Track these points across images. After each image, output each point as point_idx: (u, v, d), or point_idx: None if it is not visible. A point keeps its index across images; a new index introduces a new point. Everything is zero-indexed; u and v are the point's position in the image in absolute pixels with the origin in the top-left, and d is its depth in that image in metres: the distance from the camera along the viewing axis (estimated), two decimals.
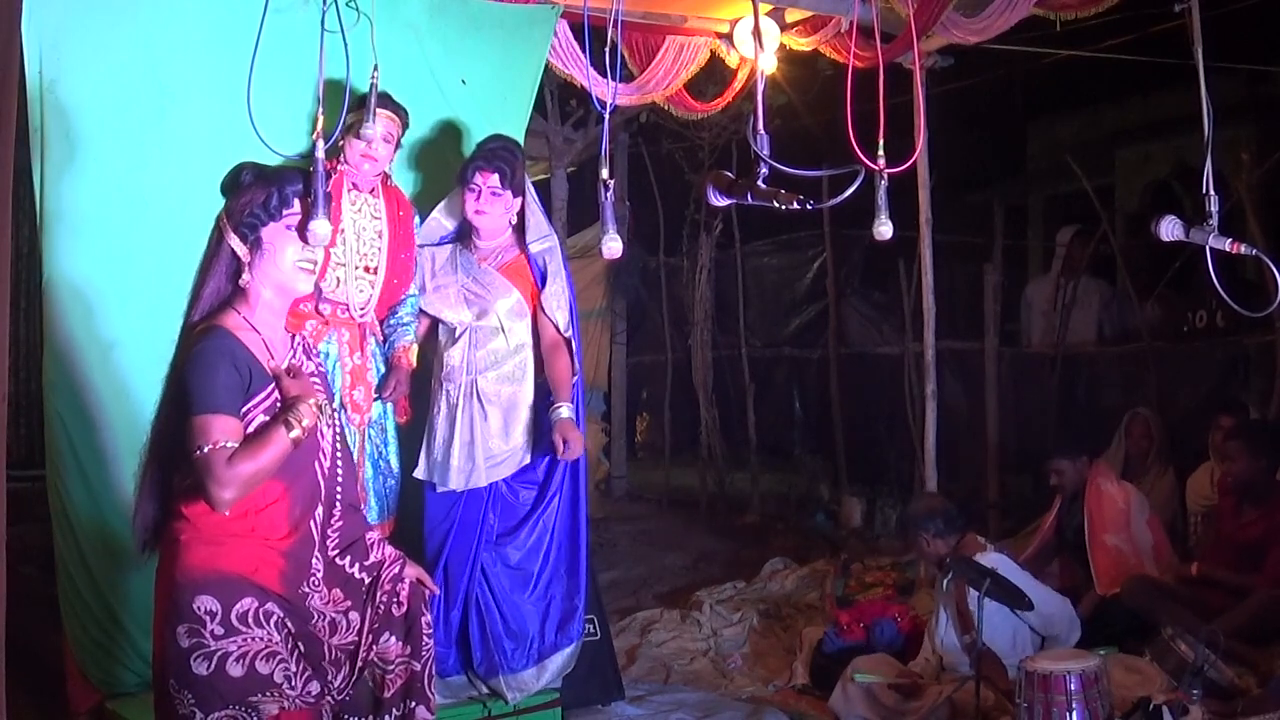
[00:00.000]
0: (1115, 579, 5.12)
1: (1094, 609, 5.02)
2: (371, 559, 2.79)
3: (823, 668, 4.99)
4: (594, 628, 4.65)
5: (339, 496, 2.76)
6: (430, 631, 2.86)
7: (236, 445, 2.51)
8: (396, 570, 2.82)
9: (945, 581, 4.61)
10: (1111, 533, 5.23)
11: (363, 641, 2.74)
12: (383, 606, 2.77)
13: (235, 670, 2.52)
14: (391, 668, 2.77)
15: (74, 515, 3.95)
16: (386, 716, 2.76)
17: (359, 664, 2.74)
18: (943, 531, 4.68)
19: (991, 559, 4.51)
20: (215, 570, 2.54)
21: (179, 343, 2.65)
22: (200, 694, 2.50)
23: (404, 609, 2.80)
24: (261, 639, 2.55)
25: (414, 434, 4.36)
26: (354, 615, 2.73)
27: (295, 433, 2.56)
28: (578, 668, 4.46)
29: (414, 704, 2.78)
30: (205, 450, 2.47)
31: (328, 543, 2.72)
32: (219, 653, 2.52)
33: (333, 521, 2.73)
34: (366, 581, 2.77)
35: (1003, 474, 7.67)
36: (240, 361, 2.58)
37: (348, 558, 2.76)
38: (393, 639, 2.78)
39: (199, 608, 2.52)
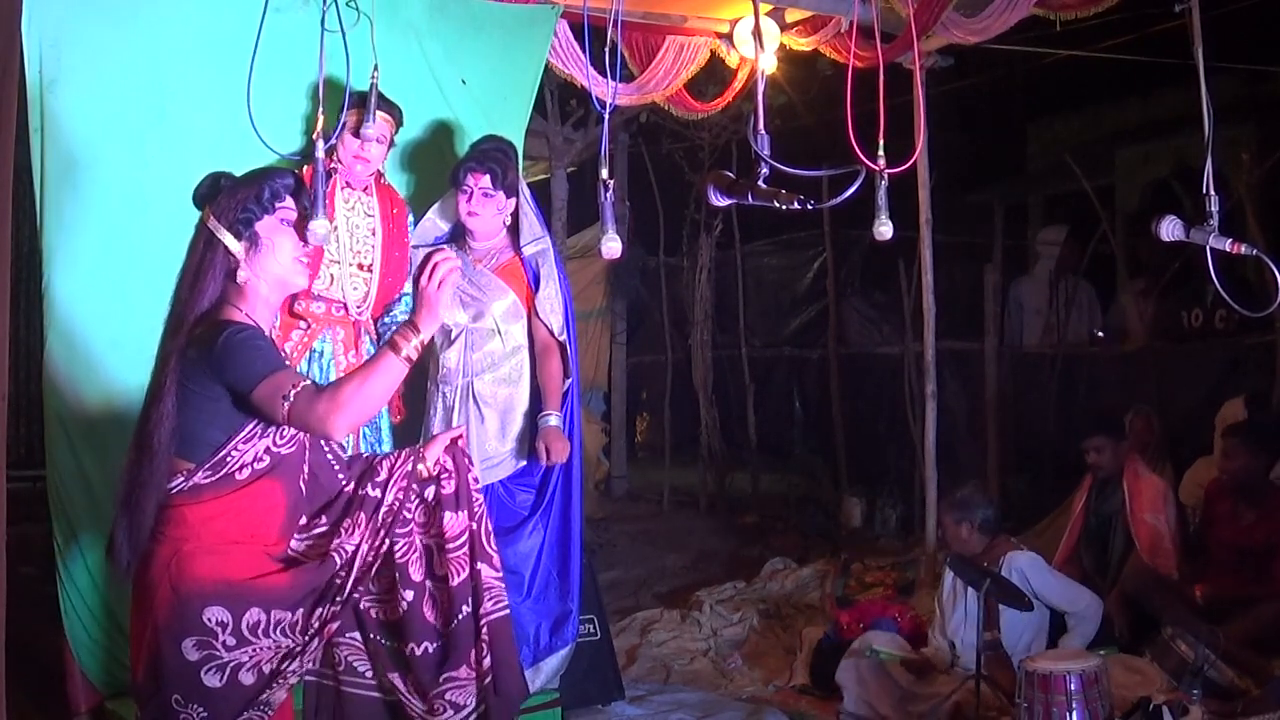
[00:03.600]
0: (1165, 557, 5.11)
1: (1120, 600, 5.02)
2: (381, 476, 2.76)
3: (823, 668, 4.99)
4: (594, 628, 4.66)
5: (336, 464, 2.78)
6: (479, 487, 2.86)
7: (309, 382, 2.48)
8: (409, 467, 2.77)
9: None
10: (1150, 512, 5.21)
11: (364, 540, 2.69)
12: (397, 504, 2.73)
13: (248, 679, 2.49)
14: (455, 546, 2.75)
15: (74, 515, 3.94)
16: (465, 608, 2.74)
17: (362, 556, 2.68)
18: (986, 527, 4.67)
19: (1024, 559, 4.52)
20: (224, 580, 2.50)
21: (173, 345, 2.57)
22: (213, 707, 2.46)
23: (453, 478, 2.79)
24: (271, 648, 2.53)
25: (409, 433, 4.36)
26: (365, 528, 2.69)
27: (405, 353, 2.47)
28: (578, 668, 4.46)
29: (479, 564, 2.77)
30: (291, 397, 2.43)
31: (339, 474, 2.73)
32: (232, 664, 2.48)
33: (321, 519, 2.73)
34: (379, 497, 2.73)
35: (1003, 474, 7.67)
36: (269, 339, 2.59)
37: (365, 483, 2.74)
38: (455, 515, 2.76)
39: (210, 619, 2.47)
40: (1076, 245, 7.98)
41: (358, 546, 2.68)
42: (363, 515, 2.70)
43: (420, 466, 2.80)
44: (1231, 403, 6.02)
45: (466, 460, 2.84)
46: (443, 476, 2.81)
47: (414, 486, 2.78)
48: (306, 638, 2.59)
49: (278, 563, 2.59)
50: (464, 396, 4.24)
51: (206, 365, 2.51)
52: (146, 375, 2.67)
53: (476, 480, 2.87)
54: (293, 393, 2.43)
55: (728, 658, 5.54)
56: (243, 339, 2.51)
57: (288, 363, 2.60)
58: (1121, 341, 7.66)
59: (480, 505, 2.83)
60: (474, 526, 2.79)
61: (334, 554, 2.65)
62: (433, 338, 4.34)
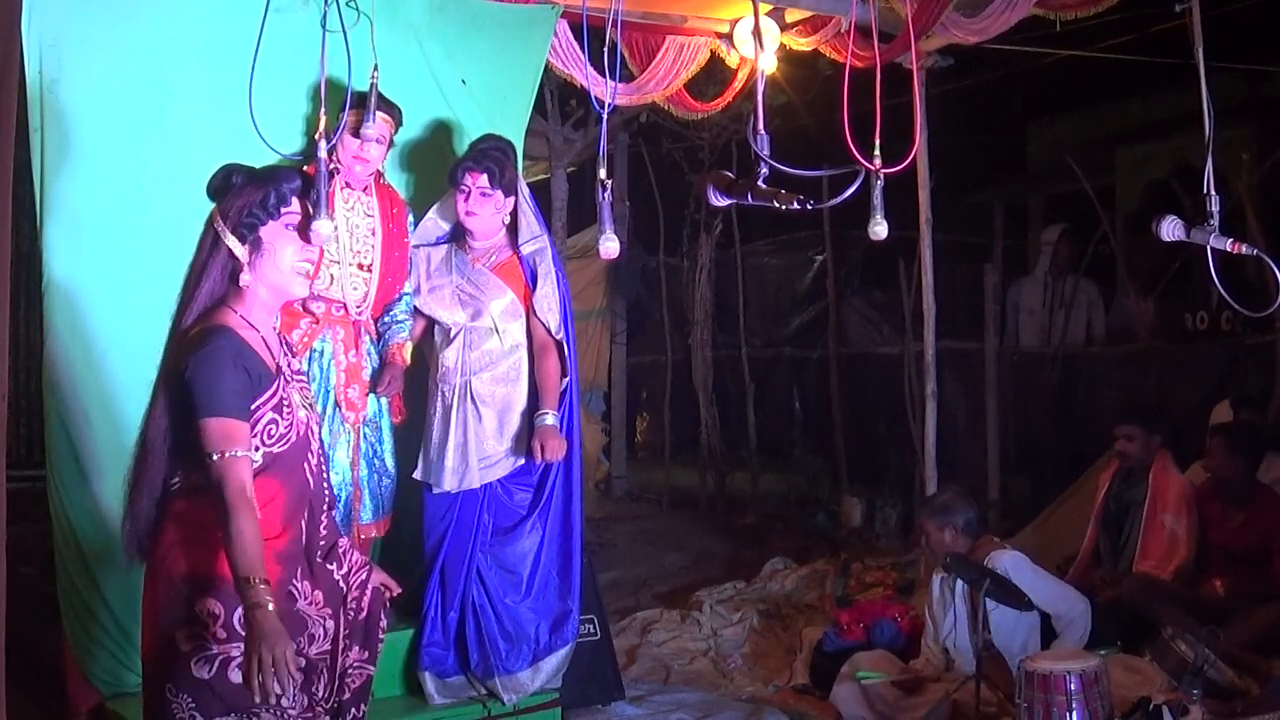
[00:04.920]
0: (1160, 561, 5.12)
1: (1111, 598, 5.01)
2: (346, 566, 2.80)
3: (823, 668, 4.99)
4: (594, 628, 4.66)
5: (326, 493, 2.76)
6: (384, 637, 2.89)
7: (247, 453, 2.51)
8: (364, 577, 2.82)
9: (960, 581, 4.58)
10: (1172, 514, 5.20)
11: (339, 649, 2.74)
12: (351, 613, 2.78)
13: (236, 677, 2.50)
14: (350, 672, 2.78)
15: (74, 515, 3.94)
16: None
17: (338, 671, 2.73)
18: (970, 529, 4.65)
19: (1008, 558, 4.51)
20: (219, 573, 2.52)
21: (172, 343, 2.62)
22: (201, 699, 2.49)
23: (364, 614, 2.81)
24: None
25: (409, 434, 4.36)
26: (330, 622, 2.72)
27: (254, 586, 2.40)
28: (577, 668, 4.46)
29: (365, 707, 2.80)
30: (215, 459, 2.47)
31: (318, 543, 2.72)
32: (221, 657, 2.50)
33: (320, 518, 2.73)
34: (343, 588, 2.78)
35: (1003, 474, 7.67)
36: (249, 361, 2.57)
37: (333, 563, 2.76)
38: (354, 645, 2.79)
39: (202, 610, 2.51)
40: (1073, 244, 7.97)
41: (335, 657, 2.71)
42: (321, 595, 2.70)
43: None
44: (1220, 406, 6.03)
45: (383, 610, 2.87)
46: (360, 608, 2.83)
47: (362, 597, 2.82)
48: (299, 703, 2.61)
49: (276, 559, 2.59)
50: (462, 395, 4.25)
51: (182, 364, 2.54)
52: (147, 375, 2.70)
53: (384, 632, 2.89)
54: (223, 456, 2.46)
55: (728, 658, 5.54)
56: (224, 362, 2.52)
57: (297, 377, 2.63)
58: (1124, 341, 7.65)
59: (379, 652, 2.86)
60: (371, 670, 2.83)
61: (306, 620, 2.66)
62: (434, 336, 4.38)
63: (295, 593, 2.63)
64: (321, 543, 2.73)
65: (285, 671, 2.36)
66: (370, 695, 2.84)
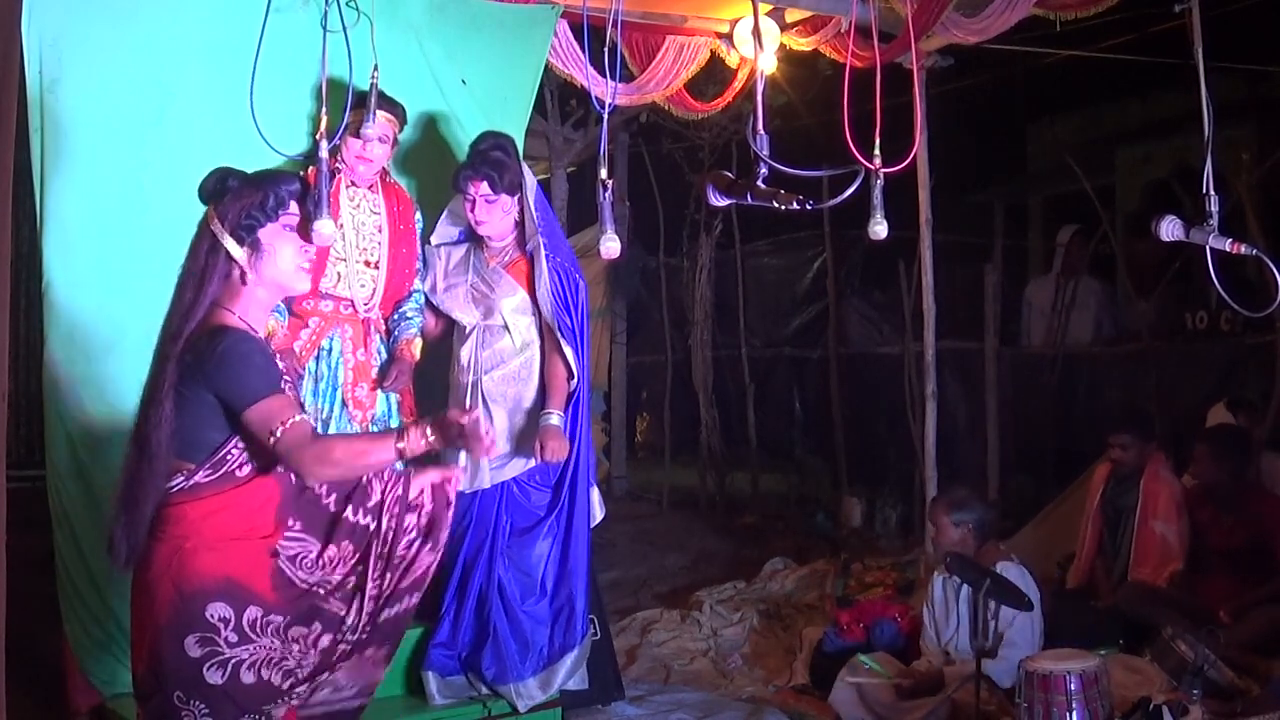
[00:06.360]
0: (1155, 568, 5.12)
1: (1108, 605, 5.01)
2: (373, 500, 2.77)
3: (823, 668, 4.99)
4: (594, 628, 4.65)
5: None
6: (447, 529, 2.88)
7: (303, 415, 2.54)
8: (400, 491, 2.79)
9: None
10: (1162, 520, 5.20)
11: (369, 579, 2.71)
12: (390, 534, 2.76)
13: (248, 678, 2.51)
14: (413, 562, 2.79)
15: (74, 515, 3.95)
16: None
17: (370, 597, 2.71)
18: (981, 531, 4.63)
19: (1014, 570, 4.47)
20: (225, 577, 2.52)
21: (171, 348, 2.57)
22: (214, 704, 2.48)
23: (429, 510, 2.81)
24: (266, 647, 2.54)
25: None
26: (359, 565, 2.71)
27: (406, 450, 2.57)
28: None
29: (418, 596, 2.82)
30: (281, 431, 2.49)
31: (325, 499, 2.72)
32: (233, 660, 2.50)
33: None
34: (373, 525, 2.75)
35: (1003, 474, 7.67)
36: (267, 353, 2.60)
37: (349, 506, 2.74)
38: (422, 549, 2.79)
39: (212, 615, 2.49)
40: (1083, 245, 7.98)
41: (362, 588, 2.70)
42: (350, 545, 2.70)
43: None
44: (1215, 407, 6.03)
45: (446, 500, 2.86)
46: (421, 510, 2.82)
47: (404, 514, 2.80)
48: (310, 663, 2.61)
49: (270, 556, 2.59)
50: (473, 394, 4.25)
51: (200, 372, 2.53)
52: (146, 376, 2.68)
53: (448, 524, 2.89)
54: (281, 429, 2.49)
55: (728, 658, 5.54)
56: (243, 353, 2.53)
57: (285, 379, 2.64)
58: (1124, 341, 7.66)
59: (442, 545, 2.87)
60: (434, 560, 2.84)
61: (318, 587, 2.66)
62: (452, 334, 4.37)
63: (294, 584, 2.62)
64: (330, 497, 2.73)
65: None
66: (425, 585, 2.84)
